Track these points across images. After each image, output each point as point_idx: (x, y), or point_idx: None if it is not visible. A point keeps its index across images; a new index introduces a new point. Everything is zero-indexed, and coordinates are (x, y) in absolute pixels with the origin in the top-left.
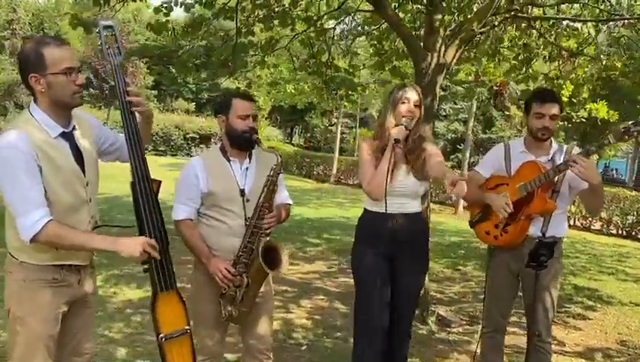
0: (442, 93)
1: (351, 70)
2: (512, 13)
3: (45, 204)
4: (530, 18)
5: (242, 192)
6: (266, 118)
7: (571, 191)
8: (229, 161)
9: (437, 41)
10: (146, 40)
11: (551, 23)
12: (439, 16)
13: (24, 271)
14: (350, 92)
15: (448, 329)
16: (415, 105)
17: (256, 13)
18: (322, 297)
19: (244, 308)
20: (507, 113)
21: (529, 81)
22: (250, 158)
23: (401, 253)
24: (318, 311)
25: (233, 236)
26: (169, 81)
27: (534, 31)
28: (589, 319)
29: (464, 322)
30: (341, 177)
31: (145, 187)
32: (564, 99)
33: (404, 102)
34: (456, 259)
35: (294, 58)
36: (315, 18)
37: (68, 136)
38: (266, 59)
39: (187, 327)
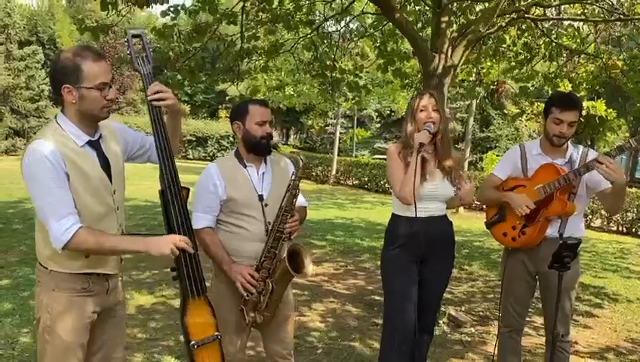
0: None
1: (356, 72)
2: (518, 14)
3: (75, 211)
4: (536, 19)
5: (261, 197)
6: None
7: (589, 192)
8: (245, 166)
9: (444, 42)
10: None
11: (552, 22)
12: (446, 18)
13: (53, 281)
14: (355, 94)
15: (460, 329)
16: (434, 110)
17: (259, 17)
18: (333, 300)
19: (268, 313)
20: (504, 111)
21: (528, 80)
22: (265, 163)
23: (430, 256)
24: (331, 314)
25: (254, 241)
26: (165, 83)
27: (538, 30)
28: (598, 317)
29: (475, 322)
30: (340, 178)
31: (176, 194)
32: None
33: (422, 110)
34: (460, 258)
35: (298, 61)
36: (318, 21)
37: (94, 145)
38: (269, 63)
39: (217, 333)
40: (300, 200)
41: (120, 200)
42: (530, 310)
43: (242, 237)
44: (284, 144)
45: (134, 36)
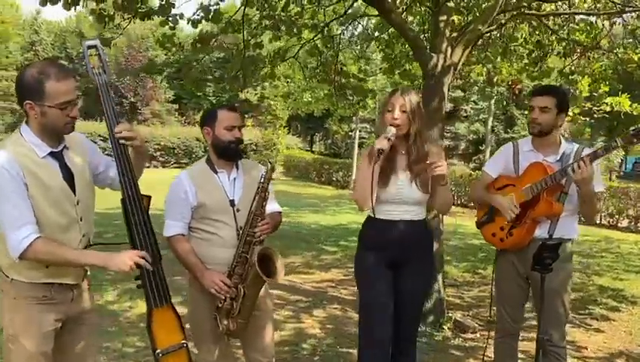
0: (461, 94)
1: (361, 76)
2: (519, 10)
3: (34, 221)
4: (540, 15)
5: (232, 203)
6: (284, 127)
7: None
8: (216, 172)
9: (442, 42)
10: (165, 55)
11: (563, 18)
12: (444, 17)
13: (15, 289)
14: (361, 98)
15: (464, 335)
16: (402, 111)
17: (263, 24)
18: (336, 306)
19: (242, 319)
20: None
21: (543, 77)
22: (237, 169)
23: (405, 261)
24: (332, 321)
25: (226, 247)
26: (189, 94)
27: (545, 27)
28: (613, 321)
29: (481, 327)
30: None
31: (135, 203)
32: (585, 94)
33: (389, 110)
34: (475, 262)
35: (303, 67)
36: (322, 25)
37: (57, 156)
38: (276, 70)
39: (184, 341)
40: (274, 206)
41: (85, 211)
42: (531, 314)
43: (214, 243)
44: (307, 150)
45: (90, 47)
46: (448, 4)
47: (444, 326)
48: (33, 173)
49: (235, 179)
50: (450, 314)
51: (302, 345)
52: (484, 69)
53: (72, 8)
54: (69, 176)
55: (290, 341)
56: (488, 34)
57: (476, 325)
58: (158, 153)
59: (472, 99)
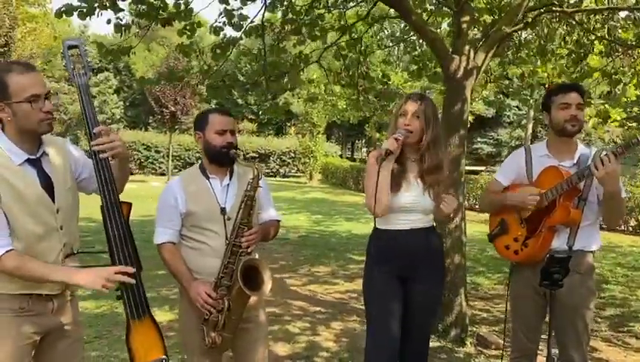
0: (502, 99)
1: (384, 80)
2: (545, 8)
3: (7, 233)
4: (568, 12)
5: (223, 211)
6: (322, 134)
7: (600, 199)
8: (208, 178)
9: (465, 43)
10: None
11: (605, 14)
12: (466, 18)
13: None
14: (385, 103)
15: (487, 351)
16: (416, 117)
17: (285, 29)
18: (355, 318)
19: (227, 333)
20: None
21: (584, 78)
22: (231, 175)
23: (414, 271)
24: (348, 334)
25: (215, 257)
26: (231, 103)
27: (578, 25)
28: None
29: (507, 343)
30: None
31: (113, 212)
32: (633, 97)
33: (402, 115)
34: (508, 274)
35: (327, 71)
36: (345, 27)
37: (34, 163)
38: (301, 75)
39: (164, 357)
40: (271, 213)
41: (65, 219)
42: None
43: (203, 252)
44: (348, 158)
45: (71, 47)
46: (472, 3)
47: (466, 342)
48: (6, 181)
49: (228, 185)
50: (474, 329)
51: (314, 358)
52: (518, 70)
53: (87, 18)
54: (47, 183)
55: (302, 354)
56: (519, 33)
57: (500, 341)
58: (199, 161)
59: (514, 104)
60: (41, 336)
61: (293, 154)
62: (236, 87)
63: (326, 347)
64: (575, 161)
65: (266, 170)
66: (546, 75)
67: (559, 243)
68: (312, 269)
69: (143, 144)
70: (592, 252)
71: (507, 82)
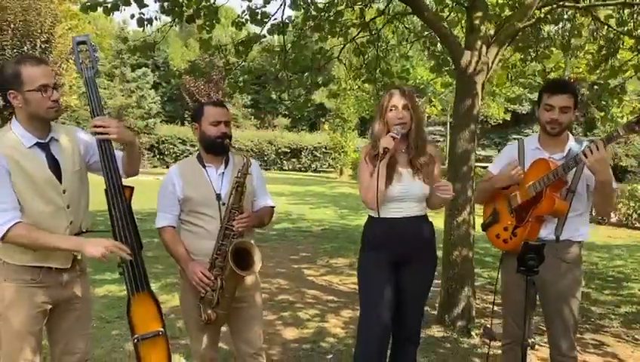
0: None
1: (403, 75)
2: (560, 2)
3: (17, 207)
4: (581, 7)
5: (218, 196)
6: (353, 130)
7: (590, 190)
8: (204, 167)
9: (477, 39)
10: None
11: (635, 8)
12: (479, 14)
13: (5, 271)
14: None
15: (492, 342)
16: (404, 109)
17: (307, 25)
18: None
19: (222, 310)
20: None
21: (614, 75)
22: (226, 164)
23: (407, 259)
24: (356, 321)
25: (211, 239)
26: (265, 99)
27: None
28: None
29: (494, 328)
30: None
31: (116, 193)
32: None
33: (391, 110)
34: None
35: (347, 67)
36: (364, 23)
37: (44, 147)
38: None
39: (161, 329)
40: (266, 200)
41: (73, 199)
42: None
43: (200, 235)
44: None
45: (80, 42)
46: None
47: (471, 333)
48: (17, 163)
49: (223, 173)
50: (482, 321)
51: (320, 343)
52: (540, 65)
53: (111, 13)
54: (55, 165)
55: (309, 338)
56: (543, 28)
57: None
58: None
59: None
60: (51, 307)
61: (324, 150)
62: (267, 83)
63: (333, 333)
64: (565, 154)
65: (298, 166)
66: (569, 70)
67: (547, 232)
68: (331, 261)
69: (179, 138)
70: (579, 242)
71: (530, 78)
